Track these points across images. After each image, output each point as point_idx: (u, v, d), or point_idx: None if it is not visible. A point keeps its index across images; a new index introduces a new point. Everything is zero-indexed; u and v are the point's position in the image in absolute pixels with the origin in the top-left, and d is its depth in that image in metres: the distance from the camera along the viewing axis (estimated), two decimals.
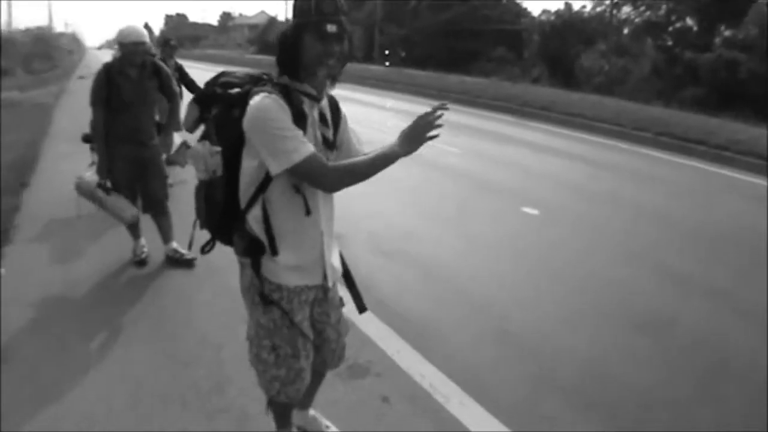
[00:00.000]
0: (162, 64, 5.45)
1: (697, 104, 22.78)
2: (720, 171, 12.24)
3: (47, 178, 8.15)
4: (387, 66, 42.27)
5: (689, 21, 34.26)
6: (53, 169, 8.51)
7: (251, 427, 3.17)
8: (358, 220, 6.70)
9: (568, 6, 38.43)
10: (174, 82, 5.52)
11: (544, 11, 40.25)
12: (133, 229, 5.41)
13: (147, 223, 5.47)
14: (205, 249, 2.59)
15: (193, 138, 2.60)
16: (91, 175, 5.22)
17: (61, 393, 3.46)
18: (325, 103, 2.47)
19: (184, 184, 7.18)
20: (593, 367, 4.08)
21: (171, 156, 5.57)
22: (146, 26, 13.23)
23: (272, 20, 73.43)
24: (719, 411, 3.69)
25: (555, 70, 35.68)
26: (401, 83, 27.56)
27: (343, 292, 2.79)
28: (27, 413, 3.28)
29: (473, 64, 39.88)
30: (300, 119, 2.27)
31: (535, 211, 7.81)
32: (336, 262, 2.63)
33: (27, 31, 47.87)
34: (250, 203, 2.39)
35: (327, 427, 3.09)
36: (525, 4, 54.19)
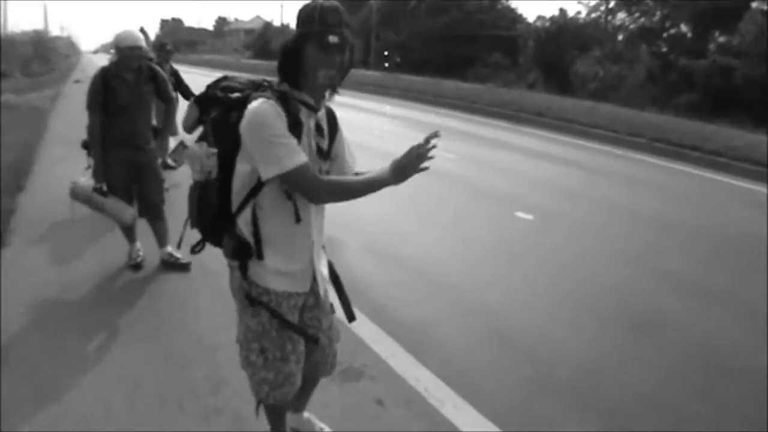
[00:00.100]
0: (158, 68, 5.47)
1: (692, 110, 22.91)
2: (715, 177, 12.31)
3: (43, 181, 8.16)
4: (386, 67, 42.41)
5: (683, 27, 34.51)
6: (49, 173, 8.52)
7: (246, 427, 3.19)
8: (354, 224, 6.73)
9: (562, 12, 38.54)
10: (170, 87, 5.54)
11: (540, 17, 40.50)
12: (129, 232, 5.43)
13: (142, 227, 5.49)
14: (196, 249, 2.62)
15: (191, 138, 2.63)
16: (85, 180, 5.23)
17: (59, 394, 3.48)
18: (322, 113, 2.49)
19: (179, 188, 7.20)
20: (589, 370, 4.11)
21: (169, 155, 5.60)
22: (142, 30, 13.21)
23: (268, 25, 73.51)
24: (716, 412, 3.72)
25: (550, 76, 35.87)
26: (397, 89, 27.64)
27: (333, 299, 2.81)
28: (26, 413, 3.30)
29: (469, 69, 40.08)
30: (296, 127, 2.30)
31: (529, 216, 7.85)
32: (324, 270, 2.66)
33: (24, 34, 47.84)
34: (242, 207, 2.41)
35: (321, 429, 3.11)
36: (520, 10, 54.26)
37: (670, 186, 11.14)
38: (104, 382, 3.64)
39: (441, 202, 8.54)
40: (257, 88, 2.43)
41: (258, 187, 2.36)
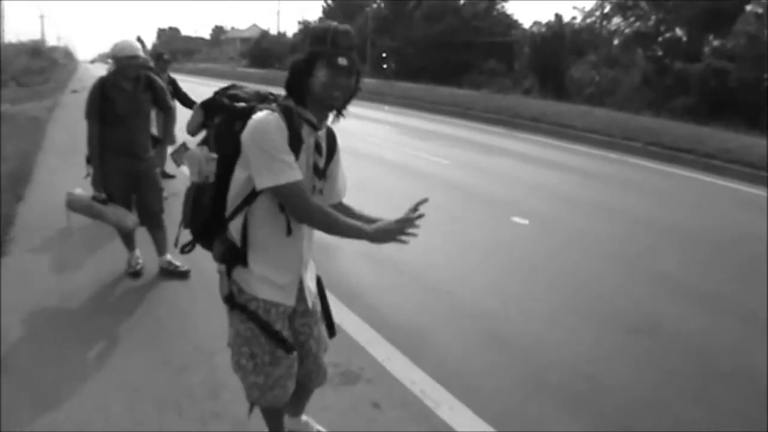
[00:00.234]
0: (156, 77, 5.53)
1: (687, 113, 23.02)
2: (709, 179, 12.40)
3: (42, 190, 8.20)
4: (384, 68, 42.54)
5: (678, 31, 34.57)
6: (48, 182, 8.56)
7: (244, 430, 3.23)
8: None
9: (558, 17, 38.62)
10: (168, 96, 5.59)
11: (535, 23, 40.49)
12: (128, 240, 5.48)
13: (141, 235, 5.53)
14: (185, 249, 2.66)
15: (194, 141, 2.69)
16: (81, 191, 5.28)
17: (59, 400, 3.52)
18: (323, 133, 2.54)
19: (178, 197, 7.24)
20: (585, 372, 4.16)
21: (170, 153, 5.68)
22: (139, 40, 13.28)
23: (264, 33, 73.64)
24: (713, 414, 3.77)
25: (546, 82, 35.96)
26: (393, 96, 27.71)
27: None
28: (26, 420, 3.34)
29: (465, 76, 40.19)
30: (296, 142, 2.35)
31: (524, 221, 7.91)
32: (312, 284, 2.71)
33: (21, 44, 47.98)
34: (235, 213, 2.47)
35: (319, 431, 3.16)
36: (516, 16, 54.45)
37: (664, 189, 11.22)
38: (104, 388, 3.68)
39: (436, 208, 8.54)
40: (263, 100, 2.49)
41: (252, 195, 2.41)
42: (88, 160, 5.23)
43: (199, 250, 2.69)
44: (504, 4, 51.45)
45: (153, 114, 5.51)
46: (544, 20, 39.95)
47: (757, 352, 4.56)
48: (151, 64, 7.59)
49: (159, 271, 5.49)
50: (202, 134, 2.62)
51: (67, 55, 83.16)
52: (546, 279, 5.96)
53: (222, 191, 2.49)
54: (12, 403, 3.49)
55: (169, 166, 7.98)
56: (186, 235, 2.68)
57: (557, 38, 37.42)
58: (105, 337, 4.35)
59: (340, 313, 4.58)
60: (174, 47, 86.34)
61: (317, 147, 2.52)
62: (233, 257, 2.50)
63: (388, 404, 3.57)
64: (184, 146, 2.74)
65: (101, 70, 5.75)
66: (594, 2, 41.49)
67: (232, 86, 2.62)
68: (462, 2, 49.90)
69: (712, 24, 30.28)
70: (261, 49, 65.26)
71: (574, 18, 39.90)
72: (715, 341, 4.79)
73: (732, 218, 9.21)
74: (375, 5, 52.14)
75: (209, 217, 2.53)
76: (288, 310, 2.62)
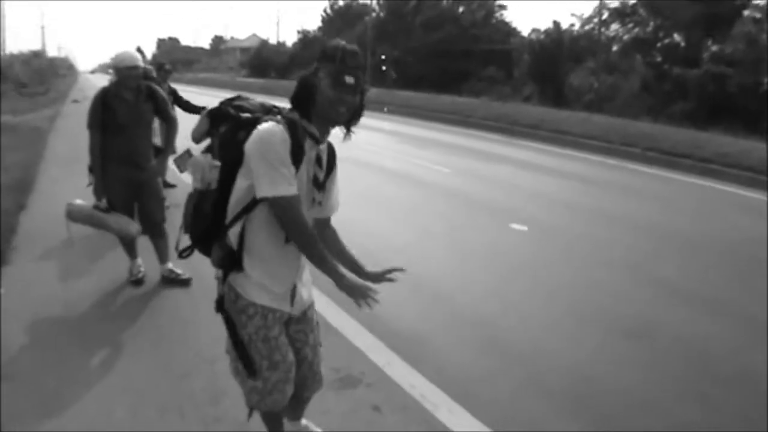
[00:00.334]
0: (158, 88, 5.59)
1: (686, 119, 23.06)
2: (708, 184, 12.45)
3: (44, 200, 8.25)
4: (384, 69, 42.67)
5: (677, 37, 34.62)
6: (50, 192, 8.62)
7: None
8: (352, 238, 6.72)
9: (556, 25, 38.71)
10: (170, 107, 5.64)
11: (534, 30, 40.53)
12: (130, 248, 5.53)
13: (142, 243, 5.58)
14: (183, 254, 2.73)
15: (198, 149, 2.76)
16: (81, 201, 5.34)
17: (62, 406, 3.57)
18: (324, 147, 2.61)
19: (180, 208, 7.30)
20: (583, 375, 4.20)
21: (174, 159, 5.72)
22: (139, 50, 13.37)
23: (264, 43, 73.83)
24: (710, 415, 3.80)
25: (545, 89, 36.01)
26: (393, 104, 27.76)
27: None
28: (30, 425, 3.39)
29: (464, 84, 40.28)
30: (298, 154, 2.42)
31: (524, 228, 7.96)
32: (306, 293, 2.76)
33: (22, 55, 48.16)
34: (235, 220, 2.53)
35: None
36: (515, 24, 54.64)
37: (663, 194, 11.27)
38: (107, 394, 3.72)
39: (436, 215, 8.65)
40: (268, 112, 2.57)
41: (252, 204, 2.47)
42: (91, 170, 5.29)
43: (201, 259, 2.74)
44: (503, 12, 51.48)
45: (156, 124, 5.57)
46: (542, 28, 40.06)
47: (758, 355, 4.59)
48: (154, 74, 7.67)
49: (160, 279, 5.54)
50: (206, 142, 2.69)
51: (68, 65, 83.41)
52: (545, 285, 6.00)
53: (223, 198, 2.55)
54: (16, 408, 3.53)
55: (171, 176, 8.04)
56: (186, 241, 2.73)
57: (556, 45, 37.49)
58: (107, 344, 4.40)
59: (340, 319, 4.65)
60: (174, 57, 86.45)
61: (318, 160, 2.58)
62: (231, 263, 2.55)
63: (388, 408, 3.61)
64: (187, 153, 2.81)
65: (102, 81, 5.82)
66: (592, 9, 41.61)
67: (238, 97, 2.70)
68: (461, 10, 50.07)
69: (711, 29, 30.35)
70: (261, 59, 65.43)
71: (572, 25, 39.96)
72: (715, 345, 4.82)
73: (731, 222, 9.26)
74: (374, 14, 52.30)
75: (209, 223, 2.59)
76: (284, 316, 2.67)
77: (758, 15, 28.25)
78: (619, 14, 36.59)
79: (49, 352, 4.27)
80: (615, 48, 37.66)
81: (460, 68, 43.97)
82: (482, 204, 9.51)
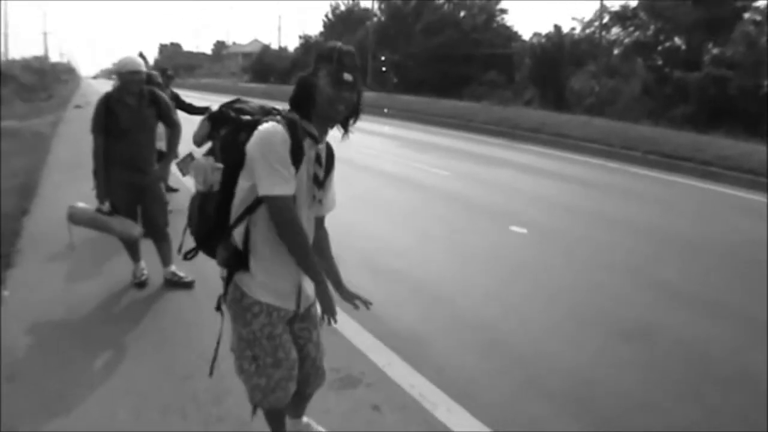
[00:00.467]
0: (161, 93, 5.65)
1: (687, 122, 23.10)
2: (708, 187, 12.49)
3: (47, 204, 8.31)
4: (383, 70, 42.74)
5: (677, 40, 34.64)
6: (53, 196, 8.67)
7: None
8: (353, 241, 6.86)
9: (557, 28, 38.73)
10: (174, 112, 5.69)
11: (535, 34, 40.53)
12: (133, 251, 5.58)
13: (145, 246, 5.64)
14: (188, 256, 2.79)
15: (200, 152, 2.81)
16: (83, 204, 5.39)
17: (67, 407, 3.61)
18: (322, 146, 2.68)
19: (182, 212, 7.38)
20: (582, 376, 4.24)
21: (177, 162, 5.77)
22: (141, 56, 13.40)
23: (266, 48, 73.93)
24: (709, 415, 3.84)
25: (546, 93, 36.03)
26: (394, 108, 27.85)
27: None
28: (35, 425, 3.43)
29: (465, 88, 40.34)
30: (297, 153, 2.48)
31: (523, 230, 8.01)
32: (310, 289, 2.80)
33: (24, 61, 48.32)
34: (238, 221, 2.59)
35: None
36: (516, 28, 54.69)
37: (664, 197, 11.32)
38: (110, 395, 3.77)
39: (436, 218, 8.70)
40: (267, 113, 2.63)
41: (255, 204, 2.53)
42: (95, 173, 5.35)
43: (204, 262, 2.80)
44: (504, 16, 51.58)
45: (161, 129, 5.62)
46: (543, 32, 40.03)
47: (758, 357, 4.62)
48: (159, 79, 7.73)
49: (164, 282, 5.59)
50: (208, 145, 2.75)
51: (70, 71, 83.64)
52: (545, 288, 6.05)
53: (226, 200, 2.61)
54: (21, 409, 3.58)
55: (173, 180, 8.09)
56: (189, 243, 2.79)
57: (557, 49, 37.52)
58: (111, 346, 4.45)
59: (340, 319, 4.67)
60: (176, 63, 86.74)
61: (318, 159, 2.65)
62: (236, 262, 2.61)
63: (388, 407, 3.66)
64: (190, 156, 2.87)
65: (104, 86, 5.87)
66: (593, 13, 41.58)
67: (237, 100, 2.76)
68: (462, 15, 50.15)
69: (712, 32, 30.36)
70: (263, 64, 65.52)
71: (573, 29, 39.95)
72: (715, 347, 4.85)
73: (731, 225, 9.30)
74: (375, 19, 52.40)
75: (213, 224, 2.65)
76: (288, 314, 2.72)
77: (758, 17, 28.28)
78: (619, 18, 36.58)
79: (52, 354, 4.31)
80: (616, 51, 37.65)
81: (461, 72, 44.03)
82: (482, 207, 9.56)
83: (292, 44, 75.75)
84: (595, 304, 5.62)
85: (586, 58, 37.03)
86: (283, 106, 2.68)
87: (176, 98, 8.38)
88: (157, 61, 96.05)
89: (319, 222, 2.85)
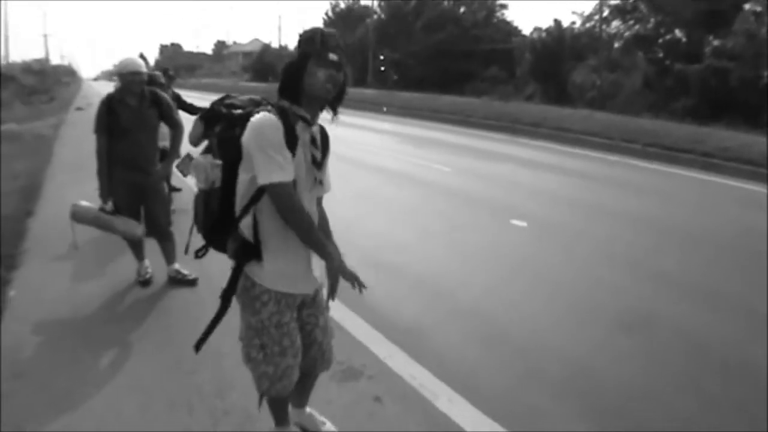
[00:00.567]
0: (162, 93, 5.71)
1: (689, 115, 23.11)
2: (709, 178, 12.54)
3: (51, 206, 8.37)
4: (382, 70, 42.76)
5: (678, 33, 34.59)
6: (57, 198, 8.73)
7: (253, 427, 3.39)
8: (354, 237, 6.89)
9: (557, 23, 38.72)
10: (176, 112, 5.75)
11: (536, 29, 40.48)
12: (138, 250, 5.65)
13: (149, 245, 5.71)
14: (199, 254, 2.85)
15: (197, 151, 2.88)
16: (86, 203, 5.46)
17: (74, 403, 3.68)
18: (316, 128, 2.75)
19: (184, 212, 7.45)
20: (581, 366, 4.30)
21: (176, 165, 5.83)
22: (141, 57, 13.47)
23: (266, 47, 73.93)
24: (708, 405, 3.88)
25: (548, 87, 36.04)
26: (395, 106, 27.89)
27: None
28: (43, 422, 3.50)
29: (466, 84, 40.37)
30: (291, 139, 2.55)
31: (523, 223, 8.07)
32: (318, 270, 2.87)
33: (24, 64, 48.39)
34: (244, 212, 2.65)
35: (323, 423, 3.32)
36: (516, 23, 54.62)
37: (664, 189, 11.36)
38: (117, 390, 3.83)
39: (437, 214, 8.74)
40: (257, 105, 2.71)
41: (259, 193, 2.59)
42: (98, 173, 5.42)
43: (208, 259, 2.87)
44: (504, 11, 51.57)
45: (166, 129, 5.68)
46: (543, 26, 40.00)
47: (757, 347, 4.65)
48: (162, 80, 7.80)
49: (168, 280, 5.66)
50: (204, 144, 2.82)
51: (71, 73, 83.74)
52: (546, 280, 6.10)
53: (229, 194, 2.68)
54: (28, 406, 3.65)
55: (176, 180, 8.15)
56: (195, 242, 2.86)
57: (557, 43, 37.53)
58: (116, 344, 4.51)
59: (342, 314, 4.75)
60: (177, 63, 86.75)
61: (313, 141, 2.71)
62: (247, 253, 2.68)
63: (389, 398, 3.72)
64: (188, 157, 2.94)
65: (105, 88, 5.93)
66: (592, 7, 41.54)
67: (227, 96, 2.84)
68: (462, 11, 50.14)
69: (711, 25, 30.32)
70: (263, 63, 65.49)
71: (573, 23, 39.92)
72: (715, 338, 4.88)
73: (731, 216, 9.35)
74: (375, 16, 52.38)
75: (219, 219, 2.72)
76: (297, 300, 2.80)
77: (759, 8, 28.23)
78: (619, 11, 36.53)
79: (59, 352, 4.38)
80: (617, 45, 37.59)
81: (462, 69, 44.06)
82: (482, 202, 9.61)
83: (292, 43, 75.58)
84: (596, 296, 5.67)
85: (586, 52, 36.99)
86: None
87: (178, 98, 8.43)
88: (157, 62, 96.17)
89: (317, 203, 2.91)
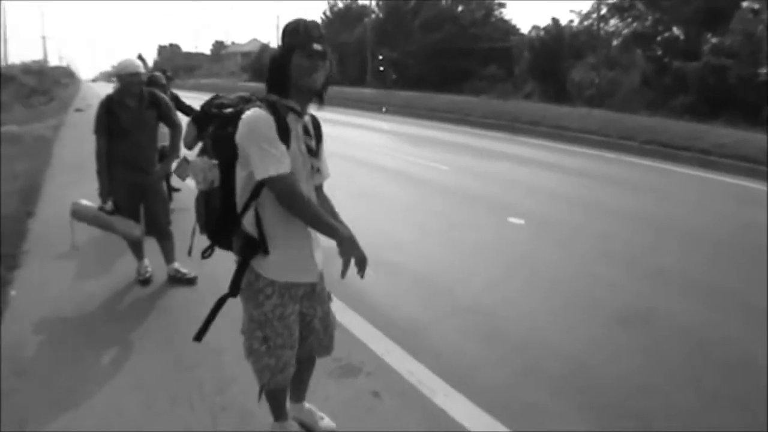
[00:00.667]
0: (161, 94, 5.76)
1: (687, 112, 23.15)
2: (706, 175, 12.58)
3: (52, 206, 8.41)
4: (381, 70, 42.83)
5: (676, 30, 34.63)
6: (57, 198, 8.75)
7: (252, 422, 3.43)
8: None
9: (555, 21, 38.74)
10: (174, 112, 5.80)
11: (534, 27, 40.53)
12: (137, 250, 5.70)
13: (149, 244, 5.76)
14: (205, 254, 2.91)
15: (192, 154, 2.93)
16: (87, 202, 5.51)
17: (77, 401, 3.72)
18: (308, 118, 2.81)
19: (184, 211, 7.51)
20: (578, 362, 4.33)
21: (174, 170, 5.88)
22: (140, 57, 13.57)
23: (265, 47, 73.87)
24: (708, 400, 3.91)
25: (546, 86, 36.07)
26: (393, 105, 27.92)
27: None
28: (46, 419, 3.54)
29: (465, 83, 40.40)
30: (284, 131, 2.59)
31: (520, 221, 8.11)
32: (319, 256, 2.93)
33: (23, 65, 48.42)
34: (245, 208, 2.70)
35: (321, 418, 3.36)
36: (514, 21, 54.57)
37: (660, 186, 11.42)
38: (118, 387, 3.88)
39: (435, 213, 8.79)
40: (247, 101, 2.76)
41: (258, 188, 2.64)
42: (98, 173, 5.47)
43: (208, 259, 2.91)
44: (502, 10, 51.55)
45: (166, 129, 5.72)
46: (542, 25, 39.99)
47: (756, 343, 4.67)
48: (164, 81, 7.85)
49: (167, 279, 5.70)
50: (199, 146, 2.87)
51: (70, 74, 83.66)
52: (542, 276, 6.16)
53: (229, 192, 2.73)
54: (32, 404, 3.69)
55: (176, 180, 8.19)
56: (198, 243, 2.91)
57: (556, 41, 37.56)
58: (117, 342, 4.56)
59: (341, 311, 4.78)
60: (175, 64, 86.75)
61: (306, 131, 2.77)
62: (253, 248, 2.72)
63: (387, 393, 3.77)
64: (185, 160, 2.99)
65: (103, 89, 5.98)
66: (590, 5, 41.53)
67: (216, 96, 2.89)
68: (460, 10, 50.14)
69: (709, 22, 30.35)
70: (262, 63, 65.35)
71: (571, 21, 39.92)
72: (713, 334, 4.90)
73: (729, 212, 9.39)
74: (373, 16, 52.37)
75: (222, 217, 2.77)
76: (300, 291, 2.85)
77: (756, 6, 28.27)
78: (617, 9, 36.56)
79: (61, 350, 4.43)
80: (615, 43, 37.62)
81: (461, 67, 44.06)
82: (480, 200, 9.66)
83: None
84: (593, 293, 5.70)
85: (585, 50, 37.02)
86: None
87: (176, 99, 8.47)
88: (156, 63, 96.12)
89: (318, 189, 2.95)
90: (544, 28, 39.09)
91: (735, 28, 27.21)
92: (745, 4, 29.41)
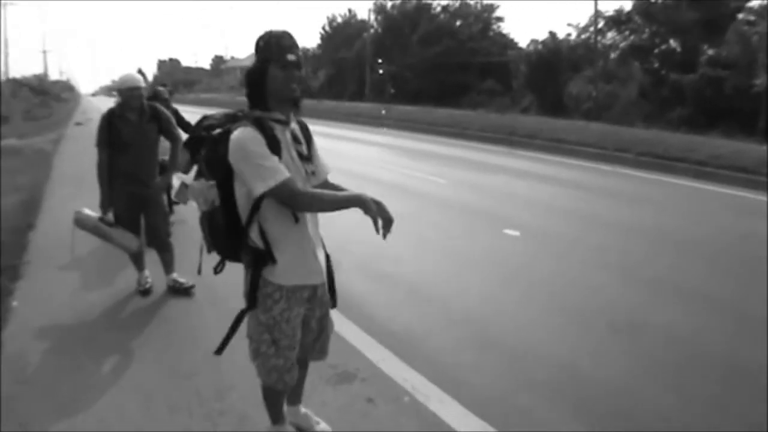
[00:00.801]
0: (162, 108, 5.85)
1: (684, 124, 23.28)
2: (702, 186, 12.66)
3: (52, 219, 8.51)
4: (381, 73, 43.20)
5: (673, 43, 34.79)
6: (57, 211, 8.84)
7: (249, 427, 3.51)
8: (350, 246, 6.98)
9: (552, 35, 38.94)
10: (175, 126, 5.89)
11: (532, 41, 40.67)
12: (138, 261, 5.78)
13: (149, 256, 5.85)
14: (217, 270, 3.01)
15: (189, 178, 3.02)
16: (89, 211, 5.60)
17: (77, 407, 3.79)
18: (295, 125, 2.90)
19: (184, 224, 7.63)
20: (569, 370, 4.39)
21: (174, 196, 5.97)
22: (140, 72, 13.75)
23: None
24: (689, 403, 3.98)
25: (544, 99, 36.20)
26: (392, 119, 28.06)
27: None
28: (46, 426, 3.61)
29: (463, 97, 40.58)
30: (274, 144, 2.69)
31: (516, 233, 8.19)
32: (321, 255, 3.02)
33: (24, 79, 48.62)
34: (249, 222, 2.79)
35: (317, 423, 3.44)
36: (512, 35, 54.85)
37: (656, 197, 11.50)
38: (118, 394, 3.95)
39: (432, 225, 8.86)
40: (234, 119, 2.83)
41: (258, 202, 2.73)
42: (100, 185, 5.56)
43: (206, 269, 3.00)
44: (500, 24, 51.81)
45: (167, 143, 5.81)
46: (539, 38, 40.14)
47: (753, 351, 4.72)
48: (166, 95, 7.95)
49: (167, 289, 5.79)
50: (194, 170, 2.97)
51: (70, 88, 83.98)
52: (534, 284, 6.24)
53: (231, 209, 2.82)
54: (33, 411, 3.77)
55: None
56: (207, 260, 2.99)
57: (553, 55, 37.72)
58: (118, 350, 4.63)
59: (337, 321, 4.85)
60: (175, 78, 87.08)
61: (295, 138, 2.86)
62: (262, 260, 2.81)
63: (382, 400, 3.84)
64: (183, 185, 3.09)
65: (104, 103, 6.08)
66: (588, 18, 41.70)
67: (204, 118, 2.98)
68: (458, 24, 50.39)
69: (705, 34, 30.53)
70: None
71: (569, 35, 40.11)
72: (710, 343, 4.94)
73: (724, 223, 9.46)
74: (372, 31, 52.60)
75: (227, 234, 2.86)
76: (306, 293, 2.94)
77: (752, 17, 28.46)
78: (614, 22, 36.74)
79: (63, 358, 4.50)
80: (612, 56, 37.77)
81: (459, 82, 44.27)
82: (476, 212, 9.74)
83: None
84: (589, 304, 5.75)
85: (582, 63, 37.20)
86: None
87: (176, 113, 8.57)
88: (155, 77, 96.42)
89: (324, 184, 3.02)
90: (542, 42, 39.26)
91: (730, 39, 27.39)
92: (740, 16, 29.61)
